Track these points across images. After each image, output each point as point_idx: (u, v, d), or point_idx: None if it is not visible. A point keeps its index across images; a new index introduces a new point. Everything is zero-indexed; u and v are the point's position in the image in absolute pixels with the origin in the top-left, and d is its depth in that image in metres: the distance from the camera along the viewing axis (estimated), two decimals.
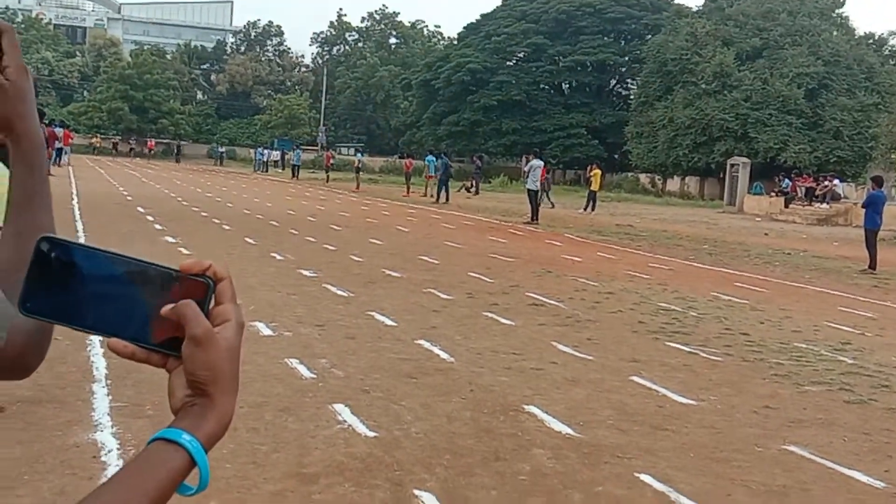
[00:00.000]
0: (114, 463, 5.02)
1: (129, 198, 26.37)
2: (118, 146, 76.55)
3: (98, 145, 75.46)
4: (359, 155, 51.89)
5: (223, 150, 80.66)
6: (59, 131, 41.88)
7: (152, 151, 78.80)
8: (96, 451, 5.20)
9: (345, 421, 6.05)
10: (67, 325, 0.91)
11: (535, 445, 5.82)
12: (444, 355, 8.20)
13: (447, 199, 35.54)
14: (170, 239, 16.23)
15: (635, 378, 7.75)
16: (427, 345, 8.59)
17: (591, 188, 36.20)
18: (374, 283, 12.53)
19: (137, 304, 0.90)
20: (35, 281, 0.90)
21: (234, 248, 15.59)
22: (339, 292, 11.42)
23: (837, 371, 8.50)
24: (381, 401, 6.63)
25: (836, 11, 61.34)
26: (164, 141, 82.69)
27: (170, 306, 0.89)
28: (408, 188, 41.24)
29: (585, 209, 34.94)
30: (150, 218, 20.11)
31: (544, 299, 11.88)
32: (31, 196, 1.18)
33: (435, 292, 11.90)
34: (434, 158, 40.30)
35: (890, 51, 63.64)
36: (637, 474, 5.38)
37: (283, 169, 67.97)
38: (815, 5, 58.60)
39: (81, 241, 0.89)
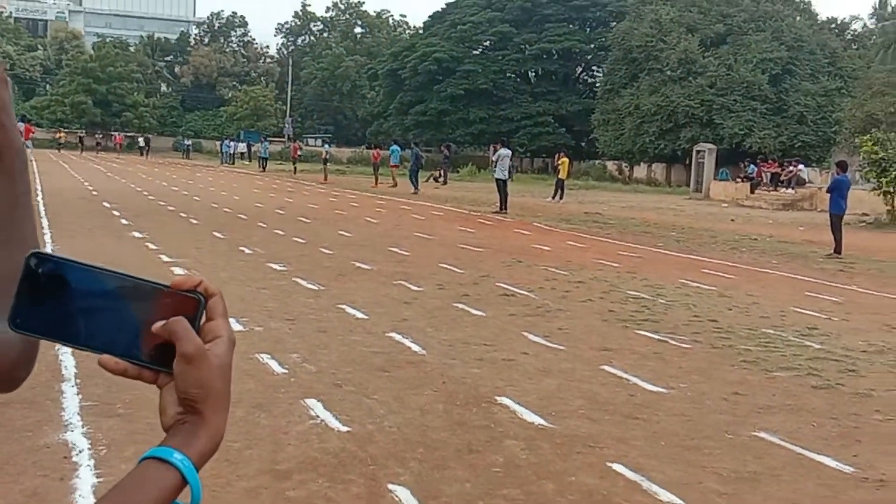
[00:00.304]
0: (85, 463, 4.99)
1: (94, 193, 26.13)
2: (84, 140, 73.31)
3: (63, 140, 72.87)
4: (326, 146, 51.68)
5: (189, 142, 79.76)
6: (20, 126, 41.47)
7: (121, 146, 76.37)
8: (67, 451, 5.16)
9: (317, 416, 6.05)
10: (57, 341, 0.90)
11: (507, 437, 5.85)
12: (415, 347, 8.21)
13: (416, 190, 35.51)
14: (136, 234, 16.11)
15: (606, 367, 7.80)
16: (398, 337, 8.59)
17: (560, 176, 36.28)
18: (344, 275, 12.51)
19: (128, 321, 0.89)
20: (24, 297, 0.89)
21: (202, 243, 15.50)
22: (310, 286, 11.39)
23: (805, 356, 8.60)
24: (354, 395, 6.63)
25: None
26: (130, 134, 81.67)
27: (160, 323, 0.88)
28: (376, 179, 41.17)
29: (554, 197, 35.03)
30: (116, 213, 19.94)
31: (515, 289, 11.92)
32: (14, 207, 1.15)
33: (406, 284, 11.90)
34: (399, 148, 40.28)
35: (852, 35, 64.38)
36: (609, 464, 5.42)
37: (250, 161, 67.56)
38: None
39: (54, 250, 0.89)
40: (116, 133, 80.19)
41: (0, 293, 1.08)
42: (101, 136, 76.71)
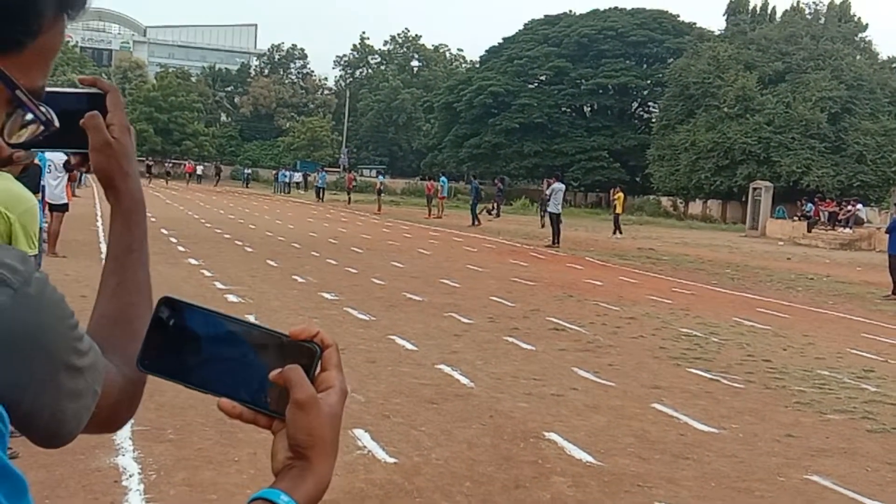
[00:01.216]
0: (134, 487, 5.04)
1: (152, 219, 26.55)
2: (152, 169, 69.01)
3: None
4: (381, 177, 51.96)
5: (249, 171, 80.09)
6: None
7: (191, 175, 73.67)
8: (118, 475, 5.23)
9: (365, 447, 6.06)
10: (180, 383, 0.94)
11: (555, 473, 5.81)
12: (464, 380, 8.20)
13: (474, 222, 35.65)
14: (192, 261, 16.33)
15: (656, 405, 7.72)
16: (447, 369, 8.59)
17: (616, 211, 36.24)
18: (395, 306, 12.56)
19: (248, 367, 0.93)
20: (153, 339, 0.94)
21: (256, 271, 15.66)
22: (361, 316, 11.45)
23: (860, 399, 8.43)
24: (402, 426, 6.63)
25: (859, 35, 61.21)
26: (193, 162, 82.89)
27: (277, 371, 0.91)
28: (429, 210, 41.34)
29: (615, 233, 34.94)
30: (173, 240, 20.25)
31: (565, 324, 11.87)
32: (129, 251, 1.21)
33: (456, 316, 11.91)
34: (446, 180, 40.49)
35: None
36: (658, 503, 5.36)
37: (306, 190, 68.18)
38: (838, 30, 58.46)
39: (194, 302, 0.94)
40: (188, 161, 78.94)
41: (108, 333, 1.15)
42: (170, 164, 75.48)
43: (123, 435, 5.95)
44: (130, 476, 5.22)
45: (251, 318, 0.96)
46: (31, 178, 5.82)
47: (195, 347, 0.94)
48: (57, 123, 1.13)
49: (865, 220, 39.06)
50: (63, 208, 15.47)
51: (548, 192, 28.95)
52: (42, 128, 1.00)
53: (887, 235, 19.22)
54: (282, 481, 0.91)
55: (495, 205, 44.95)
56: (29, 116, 0.97)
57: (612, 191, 39.39)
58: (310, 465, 0.91)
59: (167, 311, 0.94)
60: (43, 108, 1.00)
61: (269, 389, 0.92)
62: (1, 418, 0.83)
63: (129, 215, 1.22)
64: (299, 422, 0.90)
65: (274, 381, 0.91)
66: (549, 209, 27.98)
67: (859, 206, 39.27)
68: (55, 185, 15.02)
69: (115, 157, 1.18)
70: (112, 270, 1.20)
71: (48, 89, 1.01)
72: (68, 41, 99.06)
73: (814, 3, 62.98)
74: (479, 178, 46.83)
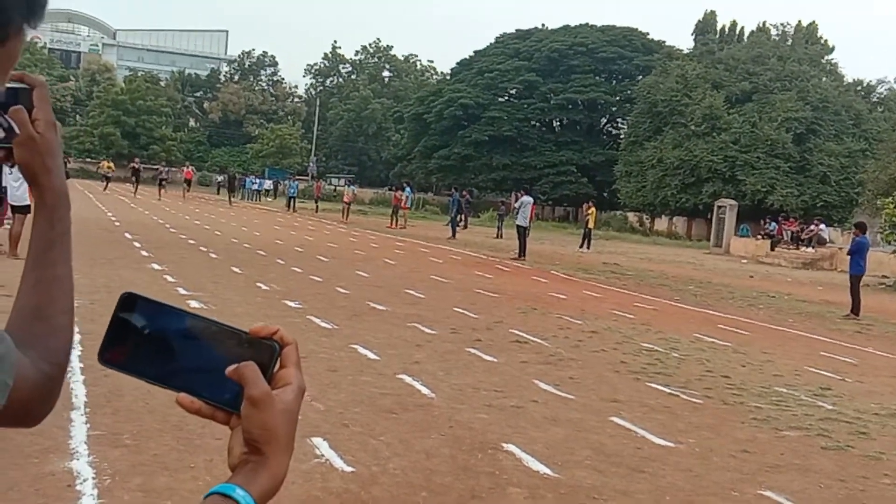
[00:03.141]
0: (88, 492, 5.00)
1: (116, 224, 26.36)
2: (139, 173, 54.66)
3: (109, 172, 57.79)
4: (353, 187, 51.48)
5: (222, 178, 70.47)
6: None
7: (189, 183, 60.16)
8: (71, 479, 5.18)
9: (322, 455, 6.05)
10: (139, 377, 0.96)
11: (511, 484, 5.83)
12: (425, 391, 8.21)
13: (453, 235, 35.77)
14: (156, 266, 16.22)
15: (615, 418, 7.77)
16: (409, 379, 8.59)
17: (589, 226, 36.56)
18: (358, 315, 12.54)
19: (207, 362, 0.95)
20: (113, 334, 0.95)
21: (220, 277, 15.58)
22: (324, 324, 11.42)
23: (816, 416, 8.53)
24: (360, 435, 6.63)
25: (826, 58, 62.18)
26: (154, 166, 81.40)
27: (232, 367, 0.93)
28: (393, 221, 41.29)
29: (582, 247, 35.23)
30: (137, 244, 20.09)
31: (528, 336, 11.91)
32: (51, 247, 1.20)
33: (419, 327, 11.91)
34: (411, 190, 40.61)
35: (878, 98, 64.37)
36: None
37: (275, 198, 67.80)
38: (805, 52, 59.32)
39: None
40: (187, 167, 65.12)
41: (26, 328, 1.14)
42: (165, 168, 60.35)
43: (78, 439, 5.90)
44: (84, 481, 5.17)
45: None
46: None
47: (155, 342, 0.95)
48: (17, 130, 1.13)
49: (828, 240, 39.55)
50: (25, 210, 15.30)
51: (516, 206, 29.06)
52: (3, 134, 1.01)
53: (849, 257, 19.50)
54: (237, 476, 0.93)
55: (462, 217, 45.07)
56: None
57: (584, 205, 39.64)
58: (265, 460, 0.93)
59: (128, 307, 0.95)
60: (5, 116, 1.01)
61: (227, 385, 0.94)
62: None
63: (52, 211, 1.20)
64: (254, 418, 0.93)
65: (229, 377, 0.93)
66: (517, 222, 28.10)
67: (822, 226, 39.76)
68: (17, 186, 14.88)
69: (38, 153, 1.17)
70: (33, 266, 1.19)
71: None
72: (36, 42, 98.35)
73: (781, 24, 64.08)
74: (446, 189, 46.97)
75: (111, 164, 60.53)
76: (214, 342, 0.95)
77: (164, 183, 53.18)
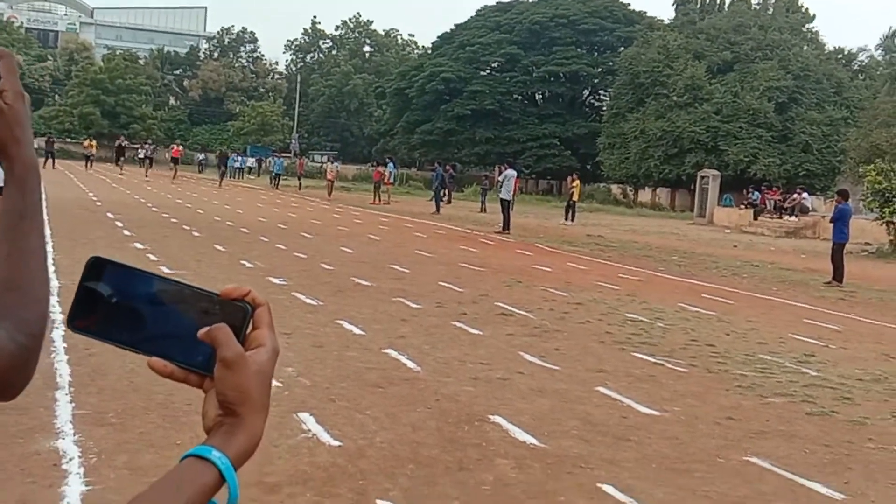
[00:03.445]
0: (74, 471, 4.98)
1: (98, 203, 26.19)
2: (125, 151, 53.16)
3: (93, 153, 55.49)
4: (337, 164, 50.72)
5: (203, 156, 70.85)
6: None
7: (176, 161, 52.86)
8: (57, 459, 5.16)
9: (309, 430, 6.05)
10: (110, 342, 0.94)
11: (498, 455, 5.84)
12: (410, 364, 8.21)
13: (437, 210, 35.70)
14: (138, 245, 16.14)
15: (601, 388, 7.80)
16: (394, 354, 8.60)
17: (574, 199, 36.57)
18: (343, 291, 12.53)
19: (179, 325, 0.94)
20: (82, 299, 0.94)
21: (203, 255, 15.53)
22: (309, 301, 11.40)
23: (801, 383, 8.58)
24: (347, 410, 6.63)
25: (807, 26, 62.18)
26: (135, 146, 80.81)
27: (204, 329, 0.92)
28: (377, 196, 41.18)
29: (567, 219, 35.27)
30: (118, 224, 19.98)
31: (513, 309, 11.92)
32: (22, 218, 1.18)
33: (404, 301, 11.91)
34: (394, 166, 40.62)
35: (859, 66, 64.55)
36: (599, 485, 5.41)
37: (258, 176, 67.46)
38: (786, 20, 59.29)
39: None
40: (177, 145, 57.94)
41: (3, 302, 1.13)
42: (150, 146, 57.57)
43: (64, 418, 5.88)
44: (70, 460, 5.16)
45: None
46: None
47: (125, 307, 0.94)
48: None
49: (811, 208, 39.69)
50: None
51: (500, 179, 28.98)
52: None
53: (831, 224, 19.55)
54: (213, 438, 0.92)
55: (446, 192, 45.01)
56: None
57: (568, 178, 39.61)
58: (240, 421, 0.93)
59: (96, 271, 0.94)
60: None
61: (199, 348, 0.93)
62: None
63: (21, 182, 1.18)
64: (227, 380, 0.92)
65: (201, 339, 0.92)
66: (500, 195, 28.08)
67: (804, 194, 39.89)
68: None
69: (7, 124, 1.16)
70: (4, 238, 1.17)
71: None
72: (13, 22, 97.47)
73: None
74: (429, 163, 46.84)
75: (93, 143, 58.73)
76: (185, 305, 0.94)
77: (150, 162, 52.09)
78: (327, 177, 46.44)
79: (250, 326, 0.95)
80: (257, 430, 0.94)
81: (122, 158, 51.12)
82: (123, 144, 52.76)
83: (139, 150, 54.61)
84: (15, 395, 1.15)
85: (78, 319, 0.94)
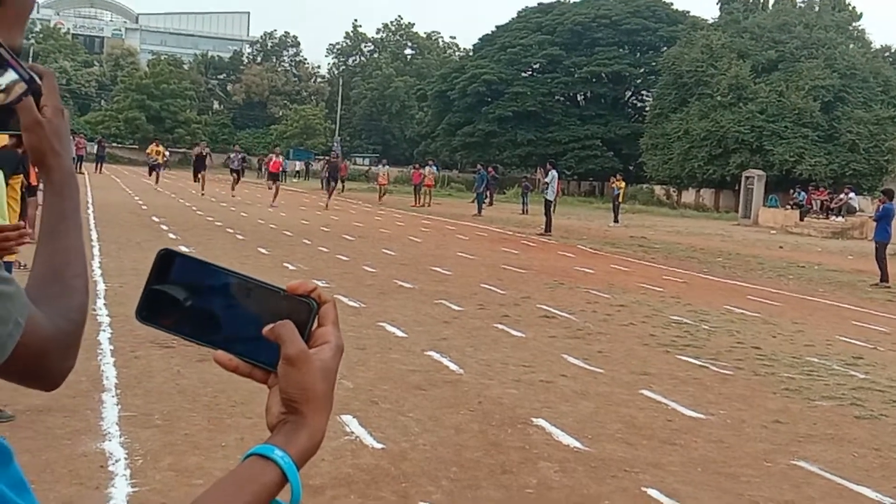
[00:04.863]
0: (120, 473, 5.03)
1: (144, 207, 26.49)
2: (205, 159, 39.43)
3: (162, 160, 45.05)
4: (386, 167, 47.83)
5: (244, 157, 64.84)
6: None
7: (277, 176, 36.75)
8: (104, 460, 5.22)
9: (352, 432, 6.06)
10: (177, 335, 0.95)
11: (542, 459, 5.81)
12: (453, 367, 8.20)
13: (479, 212, 35.71)
14: (183, 248, 16.22)
15: (645, 391, 7.73)
16: (437, 356, 8.59)
17: (619, 200, 36.62)
18: (385, 293, 12.55)
19: (245, 320, 0.93)
20: (151, 291, 0.94)
21: (247, 258, 15.64)
22: (351, 303, 11.44)
23: (849, 386, 8.46)
24: (390, 412, 6.63)
25: (853, 25, 61.21)
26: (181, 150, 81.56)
27: (269, 326, 0.92)
28: (417, 198, 41.17)
29: (616, 221, 35.32)
30: (164, 227, 20.19)
31: (556, 311, 11.87)
32: (62, 220, 1.28)
33: (446, 303, 11.91)
34: (437, 168, 40.49)
35: None
36: (644, 489, 5.37)
37: (306, 179, 67.85)
38: (832, 18, 58.45)
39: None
40: (276, 155, 37.80)
41: (42, 290, 1.20)
42: (238, 157, 40.42)
43: (110, 420, 5.94)
44: (117, 461, 5.21)
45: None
46: (9, 159, 5.77)
47: (193, 299, 0.94)
48: (39, 81, 1.14)
49: (858, 208, 39.11)
50: (33, 192, 15.36)
51: (547, 180, 28.78)
52: (25, 86, 1.00)
53: (875, 223, 19.26)
54: (276, 436, 0.92)
55: (489, 193, 44.92)
56: (11, 76, 0.97)
57: (612, 179, 39.49)
58: (303, 419, 0.92)
59: (165, 263, 0.94)
60: (25, 66, 0.99)
61: (264, 344, 0.92)
62: None
63: (61, 188, 1.29)
64: (291, 377, 0.91)
65: (266, 336, 0.92)
66: (546, 196, 28.01)
67: (851, 194, 39.31)
68: None
69: (46, 137, 1.25)
70: (47, 238, 1.27)
71: None
72: (59, 28, 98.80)
73: None
74: (471, 166, 46.62)
75: (161, 149, 45.54)
76: (251, 300, 0.94)
77: (237, 175, 39.01)
78: (379, 181, 45.92)
79: (315, 323, 0.94)
80: (320, 429, 0.93)
81: (204, 171, 38.39)
82: (204, 153, 39.85)
83: (230, 161, 41.42)
84: (54, 383, 1.17)
85: (145, 310, 0.94)
